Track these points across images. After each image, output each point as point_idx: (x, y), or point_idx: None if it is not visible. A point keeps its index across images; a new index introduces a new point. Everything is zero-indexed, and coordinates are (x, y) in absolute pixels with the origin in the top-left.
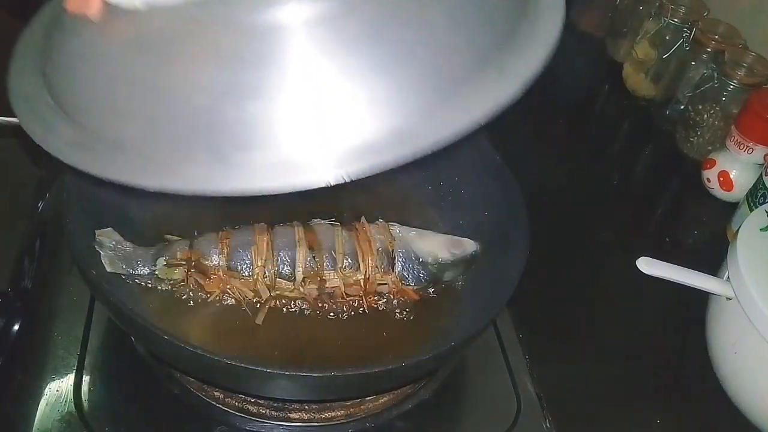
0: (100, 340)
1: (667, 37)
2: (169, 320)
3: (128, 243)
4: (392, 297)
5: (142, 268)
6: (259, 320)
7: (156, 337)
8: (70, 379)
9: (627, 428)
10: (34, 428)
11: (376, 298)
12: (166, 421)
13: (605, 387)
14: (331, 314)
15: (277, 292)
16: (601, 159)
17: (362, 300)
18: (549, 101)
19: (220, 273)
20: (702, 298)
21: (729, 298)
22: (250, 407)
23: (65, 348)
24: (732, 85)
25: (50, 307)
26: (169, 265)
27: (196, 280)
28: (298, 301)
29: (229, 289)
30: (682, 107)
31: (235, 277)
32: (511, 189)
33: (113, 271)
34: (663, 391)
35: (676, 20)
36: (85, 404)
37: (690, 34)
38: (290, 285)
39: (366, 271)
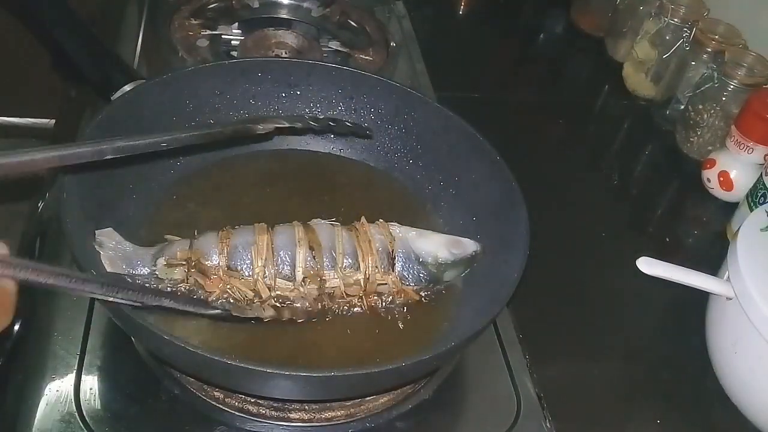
0: (100, 340)
1: (667, 37)
2: (169, 320)
3: (128, 243)
4: (392, 297)
5: (142, 268)
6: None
7: (156, 337)
8: (70, 379)
9: (627, 428)
10: (33, 428)
11: (376, 298)
12: (166, 422)
13: (605, 387)
14: (331, 315)
15: (278, 292)
16: (601, 159)
17: (362, 300)
18: (549, 101)
19: (220, 273)
20: (702, 298)
21: (729, 298)
22: (250, 407)
23: (65, 348)
24: (732, 85)
25: (50, 308)
26: (168, 265)
27: (196, 280)
28: (298, 303)
29: (229, 289)
30: (682, 107)
31: (235, 277)
32: (511, 189)
33: (113, 271)
34: (663, 391)
35: (676, 20)
36: (85, 404)
37: (690, 34)
38: (290, 285)
39: (366, 271)
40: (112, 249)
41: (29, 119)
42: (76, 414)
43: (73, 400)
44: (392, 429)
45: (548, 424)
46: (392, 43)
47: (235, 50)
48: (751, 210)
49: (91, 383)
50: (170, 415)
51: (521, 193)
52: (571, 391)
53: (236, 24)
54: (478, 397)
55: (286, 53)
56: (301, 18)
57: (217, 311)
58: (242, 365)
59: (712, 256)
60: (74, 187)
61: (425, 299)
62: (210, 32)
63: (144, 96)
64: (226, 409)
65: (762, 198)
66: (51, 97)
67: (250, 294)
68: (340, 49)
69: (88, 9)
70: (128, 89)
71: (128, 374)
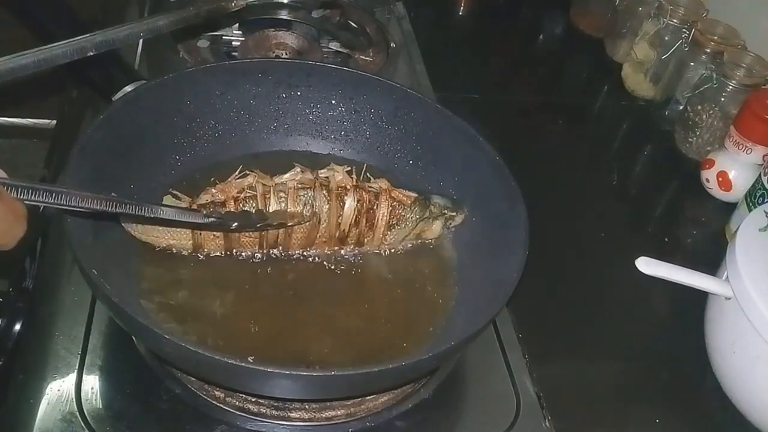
0: (101, 339)
1: (666, 38)
2: (170, 319)
3: None
4: (385, 207)
5: None
6: (270, 209)
7: (157, 336)
8: (72, 378)
9: (627, 428)
10: (35, 428)
11: (371, 198)
12: (167, 421)
13: (605, 387)
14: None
15: (276, 182)
16: (600, 159)
17: (358, 202)
18: (549, 101)
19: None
20: (701, 297)
21: (728, 298)
22: (250, 406)
23: (66, 348)
24: (731, 86)
25: (51, 307)
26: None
27: (198, 206)
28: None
29: (235, 187)
30: (681, 108)
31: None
32: (511, 189)
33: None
34: (663, 391)
35: (675, 21)
36: (86, 404)
37: (689, 34)
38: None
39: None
40: None
41: (30, 120)
42: (78, 413)
43: (74, 400)
44: (392, 428)
45: (547, 424)
46: (392, 44)
47: (236, 51)
48: (750, 210)
49: (92, 383)
50: (171, 415)
51: (521, 193)
52: (570, 390)
53: (237, 25)
54: (477, 397)
55: (286, 54)
56: (302, 19)
57: (210, 219)
58: (242, 364)
59: (711, 256)
60: (75, 187)
61: (424, 299)
62: (211, 33)
63: (145, 96)
64: (226, 408)
65: (761, 198)
66: (52, 98)
67: (252, 182)
68: (340, 50)
69: (89, 9)
70: (129, 90)
71: (129, 374)
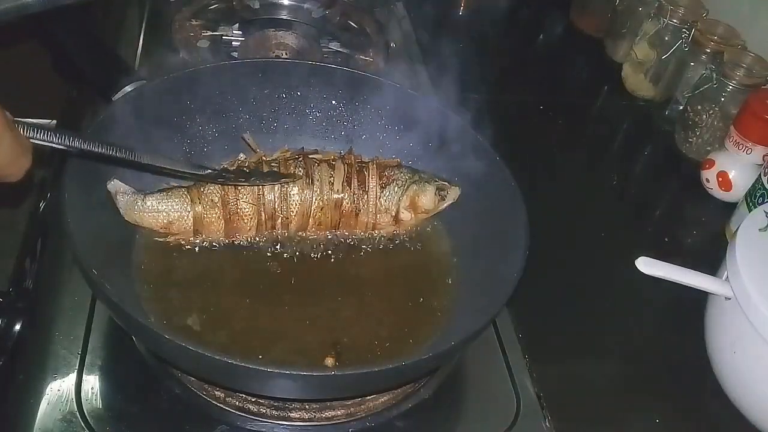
0: (101, 339)
1: (666, 38)
2: (170, 318)
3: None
4: (374, 166)
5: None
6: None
7: (157, 336)
8: (72, 378)
9: (627, 428)
10: (35, 428)
11: (359, 163)
12: (166, 421)
13: (605, 387)
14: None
15: (268, 159)
16: (600, 159)
17: (346, 164)
18: (549, 101)
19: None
20: (701, 298)
21: (728, 298)
22: (250, 406)
23: (66, 348)
24: (731, 86)
25: (51, 307)
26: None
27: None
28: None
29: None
30: (681, 108)
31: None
32: (511, 189)
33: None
34: (663, 391)
35: (675, 21)
36: (86, 404)
37: (689, 34)
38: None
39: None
40: (124, 191)
41: (30, 120)
42: (78, 413)
43: (74, 400)
44: (392, 428)
45: (548, 424)
46: (392, 44)
47: (236, 51)
48: (750, 210)
49: (92, 383)
50: (171, 414)
51: (521, 193)
52: (570, 391)
53: (237, 25)
54: (477, 397)
55: (286, 54)
56: (302, 19)
57: (206, 171)
58: (242, 364)
59: (711, 256)
60: (75, 187)
61: (422, 299)
62: (211, 33)
63: (145, 97)
64: (226, 408)
65: (761, 198)
66: (52, 98)
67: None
68: (340, 50)
69: (90, 9)
70: (129, 90)
71: (129, 373)
